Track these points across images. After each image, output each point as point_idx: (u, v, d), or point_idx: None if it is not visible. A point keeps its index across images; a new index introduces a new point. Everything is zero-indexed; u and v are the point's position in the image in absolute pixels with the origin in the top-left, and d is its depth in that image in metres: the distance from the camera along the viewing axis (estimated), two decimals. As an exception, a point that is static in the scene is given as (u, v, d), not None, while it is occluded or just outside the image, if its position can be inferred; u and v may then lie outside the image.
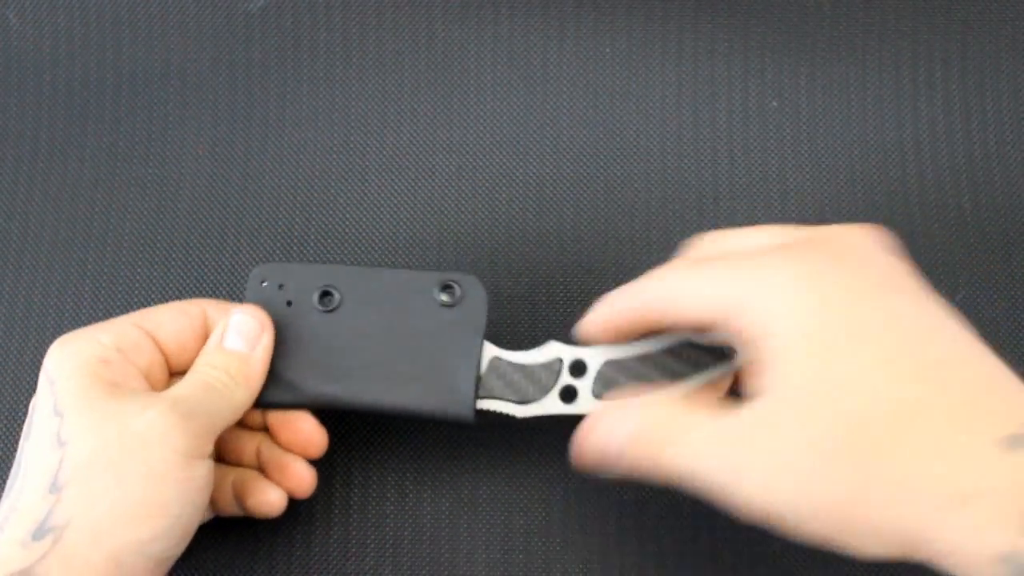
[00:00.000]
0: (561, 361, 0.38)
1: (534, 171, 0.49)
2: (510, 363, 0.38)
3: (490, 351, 0.38)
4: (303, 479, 0.39)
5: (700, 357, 0.36)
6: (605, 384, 0.37)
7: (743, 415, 0.30)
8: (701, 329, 0.33)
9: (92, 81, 0.50)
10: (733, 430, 0.30)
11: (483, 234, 0.48)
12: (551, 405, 0.38)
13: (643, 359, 0.37)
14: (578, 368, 0.38)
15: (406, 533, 0.42)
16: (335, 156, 0.49)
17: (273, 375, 0.38)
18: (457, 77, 0.50)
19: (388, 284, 0.39)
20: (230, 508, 0.39)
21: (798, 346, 0.29)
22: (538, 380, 0.38)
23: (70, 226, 0.48)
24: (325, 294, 0.39)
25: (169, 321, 0.37)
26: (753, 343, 0.30)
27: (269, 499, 0.38)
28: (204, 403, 0.35)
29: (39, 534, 0.32)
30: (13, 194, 0.48)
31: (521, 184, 0.49)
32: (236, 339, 0.37)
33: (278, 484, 0.39)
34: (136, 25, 0.50)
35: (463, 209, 0.48)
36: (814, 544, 0.30)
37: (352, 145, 0.49)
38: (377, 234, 0.48)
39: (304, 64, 0.50)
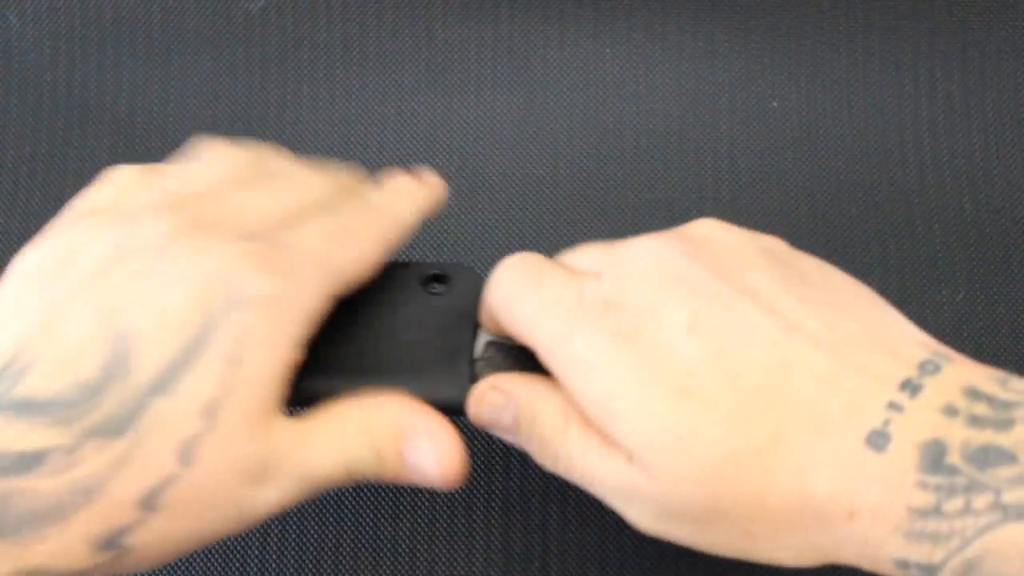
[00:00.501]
0: None
1: (534, 171, 0.49)
2: (507, 347, 0.36)
3: (485, 336, 0.37)
4: None
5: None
6: None
7: (620, 458, 0.28)
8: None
9: (92, 81, 0.50)
10: (616, 467, 0.28)
11: (483, 234, 0.48)
12: None
13: None
14: None
15: (403, 533, 0.42)
16: (335, 156, 0.49)
17: None
18: (457, 77, 0.50)
19: (379, 275, 0.39)
20: None
21: (633, 406, 0.27)
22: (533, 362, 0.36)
23: (70, 226, 0.48)
24: None
25: (364, 273, 0.32)
26: (583, 404, 0.28)
27: None
28: (325, 479, 0.29)
29: (108, 545, 0.25)
30: (13, 194, 0.48)
31: (521, 184, 0.49)
32: (422, 478, 0.30)
33: None
34: (136, 25, 0.50)
35: (463, 209, 0.48)
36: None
37: (352, 145, 0.49)
38: (377, 234, 0.48)
39: (304, 64, 0.50)
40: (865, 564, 0.26)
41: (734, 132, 0.50)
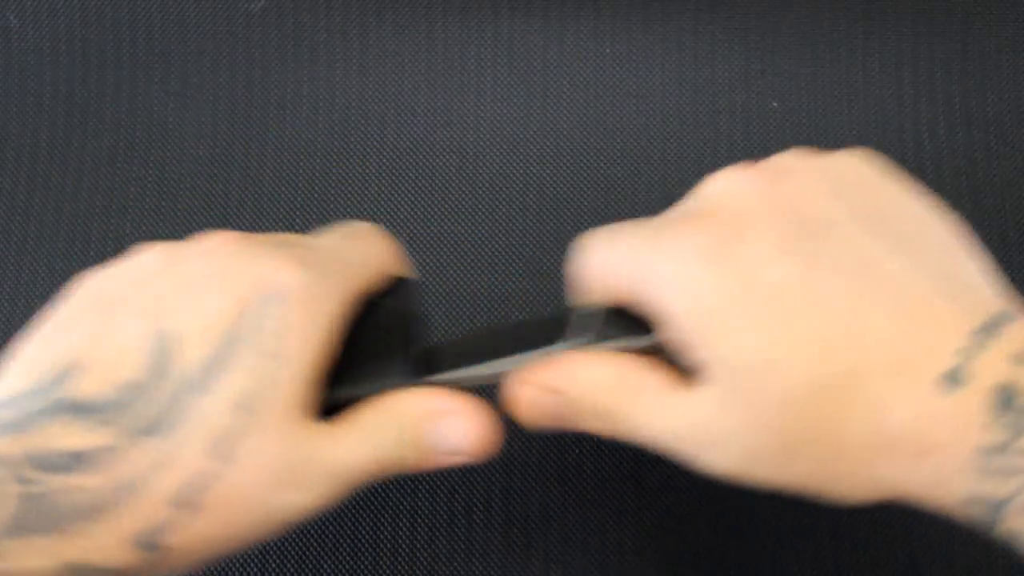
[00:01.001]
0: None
1: (534, 171, 0.49)
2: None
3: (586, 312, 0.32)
4: None
5: (627, 324, 0.32)
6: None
7: (695, 396, 0.28)
8: (621, 305, 0.31)
9: (92, 81, 0.50)
10: (690, 409, 0.28)
11: (483, 234, 0.48)
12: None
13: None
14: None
15: (403, 532, 0.42)
16: (335, 156, 0.49)
17: None
18: (457, 77, 0.50)
19: None
20: None
21: (719, 325, 0.27)
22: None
23: (70, 226, 0.48)
24: None
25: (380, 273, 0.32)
26: (668, 322, 0.28)
27: None
28: (357, 481, 0.29)
29: (147, 545, 0.26)
30: (13, 194, 0.48)
31: (521, 184, 0.49)
32: (455, 458, 0.31)
33: None
34: (136, 25, 0.50)
35: (463, 209, 0.48)
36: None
37: (352, 145, 0.49)
38: (377, 234, 0.48)
39: (304, 64, 0.50)
40: (932, 501, 0.26)
41: (734, 132, 0.50)
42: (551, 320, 0.32)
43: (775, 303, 0.27)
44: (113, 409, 0.25)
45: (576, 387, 0.30)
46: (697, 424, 0.28)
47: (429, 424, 0.30)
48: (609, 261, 0.30)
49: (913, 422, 0.26)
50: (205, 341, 0.26)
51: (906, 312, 0.26)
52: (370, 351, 0.32)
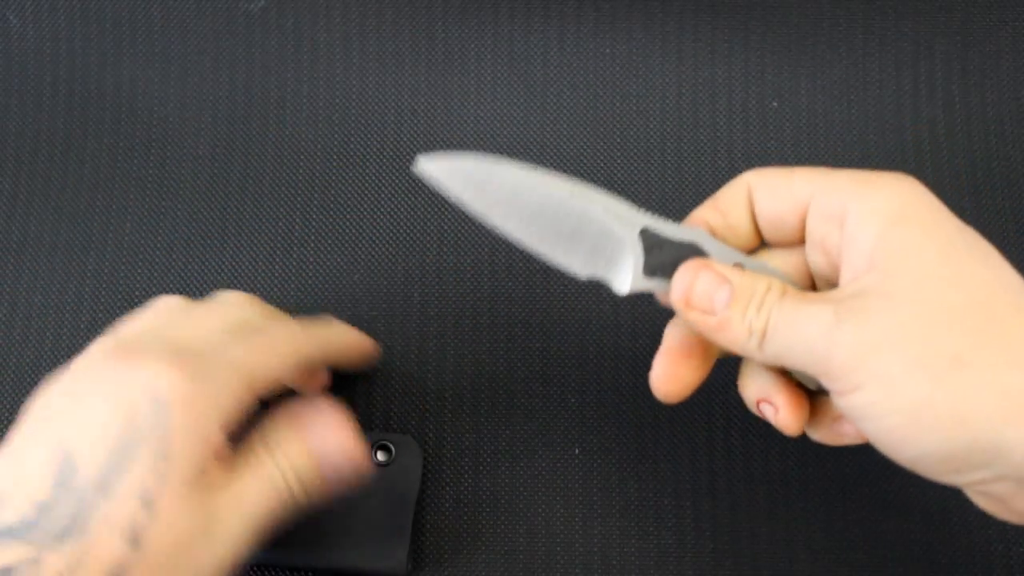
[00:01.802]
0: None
1: (534, 171, 0.49)
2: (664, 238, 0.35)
3: (641, 220, 0.34)
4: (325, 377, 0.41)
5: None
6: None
7: (854, 282, 0.31)
8: (775, 227, 0.34)
9: (92, 81, 0.50)
10: (843, 291, 0.31)
11: (483, 235, 0.48)
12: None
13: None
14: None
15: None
16: (335, 156, 0.49)
17: None
18: (457, 77, 0.50)
19: None
20: None
21: (914, 228, 0.30)
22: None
23: (70, 226, 0.48)
24: None
25: (277, 374, 0.35)
26: (860, 226, 0.31)
27: (323, 381, 0.41)
28: (260, 516, 0.33)
29: None
30: (13, 194, 0.48)
31: (521, 184, 0.49)
32: (329, 467, 0.35)
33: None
34: (136, 25, 0.50)
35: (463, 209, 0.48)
36: (890, 433, 0.30)
37: (352, 145, 0.49)
38: (377, 235, 0.48)
39: (304, 64, 0.50)
40: None
41: (734, 132, 0.50)
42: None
43: (970, 244, 0.30)
44: (31, 527, 0.29)
45: (744, 282, 0.33)
46: (845, 307, 0.30)
47: (307, 444, 0.35)
48: (821, 179, 0.33)
49: None
50: (101, 453, 0.30)
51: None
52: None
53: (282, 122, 0.50)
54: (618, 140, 0.50)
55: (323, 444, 0.35)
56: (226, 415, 0.32)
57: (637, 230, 0.34)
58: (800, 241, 0.34)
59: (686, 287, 0.33)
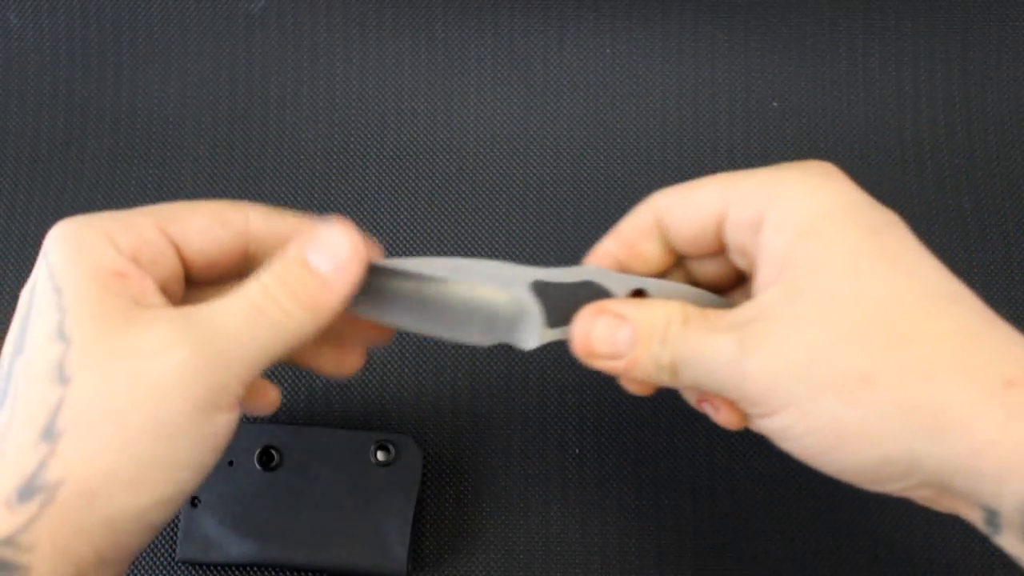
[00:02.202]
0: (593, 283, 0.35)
1: (534, 172, 0.49)
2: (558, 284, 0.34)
3: (529, 275, 0.34)
4: (357, 361, 0.36)
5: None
6: None
7: (758, 300, 0.30)
8: (691, 241, 0.33)
9: (92, 81, 0.50)
10: (746, 312, 0.30)
11: (483, 235, 0.48)
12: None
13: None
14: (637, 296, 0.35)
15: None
16: (335, 156, 0.49)
17: (213, 535, 0.40)
18: (457, 78, 0.50)
19: (327, 443, 0.42)
20: None
21: (820, 241, 0.29)
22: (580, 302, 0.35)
23: (70, 226, 0.48)
24: (265, 453, 0.41)
25: (200, 230, 0.31)
26: (771, 236, 0.30)
27: (271, 399, 0.35)
28: (247, 339, 0.29)
29: (26, 493, 0.27)
30: (13, 194, 0.48)
31: (521, 185, 0.49)
32: (322, 257, 0.30)
33: (325, 368, 0.36)
34: (136, 26, 0.50)
35: (463, 210, 0.48)
36: (808, 451, 0.30)
37: (352, 145, 0.49)
38: (377, 235, 0.48)
39: (304, 64, 0.50)
40: (986, 451, 0.27)
41: (734, 132, 0.50)
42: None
43: (885, 241, 0.30)
44: None
45: (644, 316, 0.32)
46: (753, 318, 0.30)
47: (301, 251, 0.31)
48: (721, 186, 0.32)
49: (1000, 354, 0.28)
50: (15, 322, 0.29)
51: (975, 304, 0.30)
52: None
53: (282, 122, 0.50)
54: (618, 140, 0.50)
55: (311, 243, 0.31)
56: (120, 238, 0.30)
57: (527, 286, 0.33)
58: (720, 250, 0.34)
59: (585, 336, 0.33)
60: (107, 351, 0.28)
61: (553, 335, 0.34)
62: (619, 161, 0.49)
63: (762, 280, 0.31)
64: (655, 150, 0.50)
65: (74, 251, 0.29)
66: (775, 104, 0.50)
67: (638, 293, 0.34)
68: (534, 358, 0.45)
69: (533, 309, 0.33)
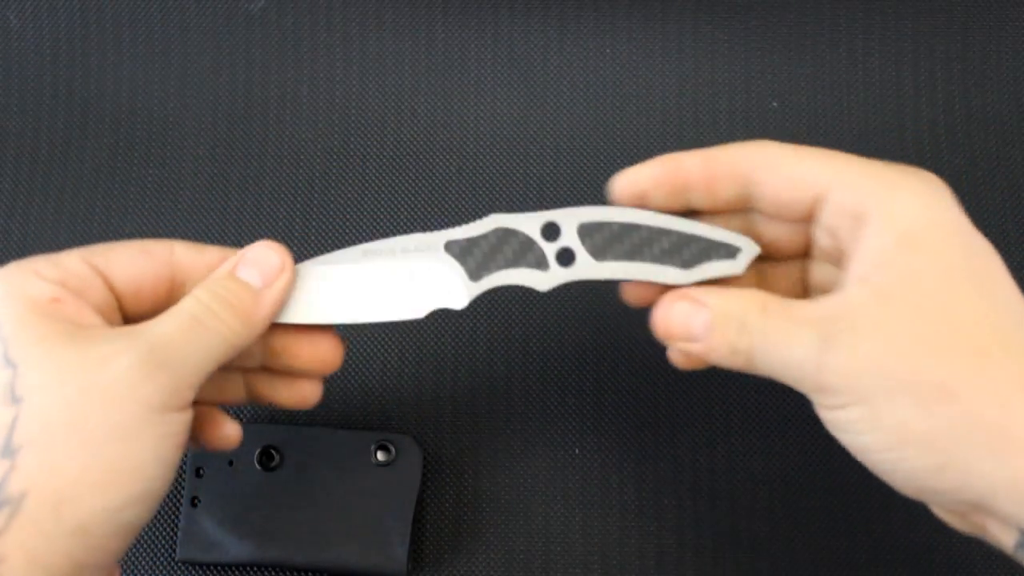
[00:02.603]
0: (514, 231, 0.35)
1: (534, 171, 0.49)
2: (471, 239, 0.35)
3: (440, 238, 0.35)
4: (315, 392, 0.37)
5: (692, 248, 0.35)
6: (597, 249, 0.35)
7: (844, 297, 0.31)
8: (780, 205, 0.33)
9: (92, 81, 0.50)
10: (830, 307, 0.31)
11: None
12: (565, 272, 0.35)
13: (629, 229, 0.35)
14: (551, 231, 0.35)
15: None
16: (335, 157, 0.49)
17: (216, 536, 0.40)
18: (457, 78, 0.50)
19: (327, 443, 0.42)
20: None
21: (920, 254, 0.30)
22: (523, 250, 0.35)
23: (70, 226, 0.48)
24: (265, 454, 0.41)
25: (125, 261, 0.33)
26: (873, 235, 0.31)
27: (226, 433, 0.35)
28: (190, 342, 0.31)
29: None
30: (13, 194, 0.48)
31: (521, 185, 0.49)
32: (250, 271, 0.33)
33: (283, 400, 0.36)
34: (136, 26, 0.50)
35: (463, 210, 0.48)
36: (867, 447, 0.31)
37: (352, 146, 0.49)
38: (377, 235, 0.48)
39: (304, 64, 0.50)
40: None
41: (734, 132, 0.50)
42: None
43: (980, 263, 0.31)
44: None
45: (722, 303, 0.33)
46: (836, 314, 0.30)
47: (233, 269, 0.33)
48: (821, 163, 0.33)
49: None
50: None
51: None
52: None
53: (282, 122, 0.50)
54: (618, 140, 0.50)
55: (241, 260, 0.33)
56: (45, 272, 0.31)
57: (440, 249, 0.35)
58: (797, 219, 0.34)
59: (664, 318, 0.34)
60: (54, 367, 0.29)
61: (480, 288, 0.35)
62: (619, 161, 0.49)
63: (853, 274, 0.31)
64: (655, 150, 0.49)
65: (5, 287, 0.30)
66: (775, 104, 0.50)
67: (549, 226, 0.35)
68: (534, 358, 0.45)
69: (453, 268, 0.35)
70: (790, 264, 0.36)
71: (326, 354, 0.36)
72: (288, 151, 0.49)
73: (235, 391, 0.36)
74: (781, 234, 0.35)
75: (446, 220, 0.48)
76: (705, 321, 0.33)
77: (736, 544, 0.43)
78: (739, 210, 0.35)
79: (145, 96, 0.50)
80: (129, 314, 0.33)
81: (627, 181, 0.36)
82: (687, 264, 0.34)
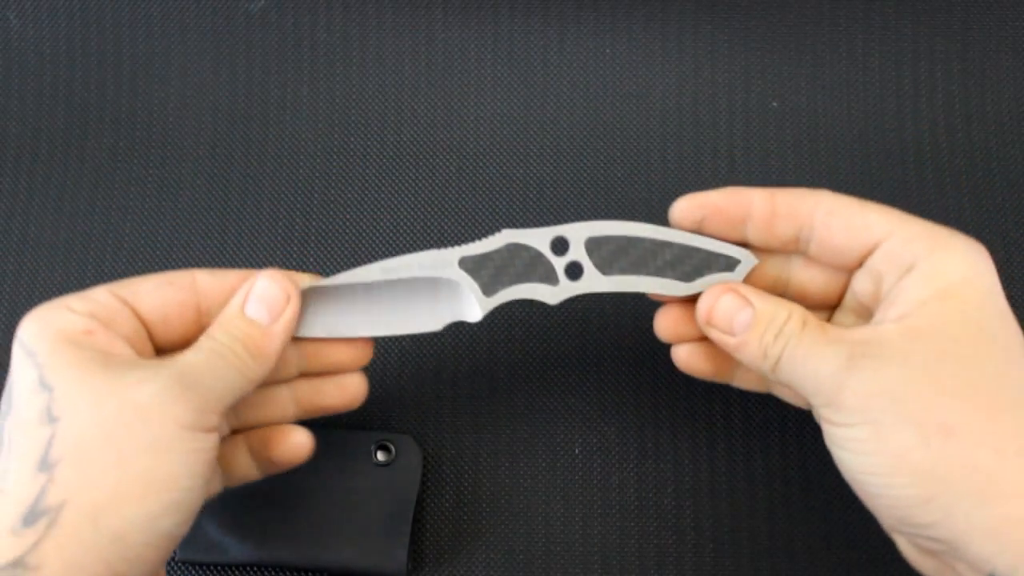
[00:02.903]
0: (527, 246, 0.37)
1: (534, 171, 0.49)
2: (483, 255, 0.37)
3: (455, 254, 0.37)
4: (360, 386, 0.39)
5: (693, 259, 0.37)
6: (603, 262, 0.37)
7: (874, 328, 0.33)
8: (835, 249, 0.35)
9: (92, 81, 0.50)
10: (861, 333, 0.33)
11: (483, 235, 0.48)
12: (573, 286, 0.37)
13: (633, 242, 0.37)
14: (560, 245, 0.37)
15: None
16: (335, 156, 0.49)
17: (216, 536, 0.40)
18: (457, 77, 0.50)
19: (327, 443, 0.41)
20: (244, 473, 0.38)
21: (954, 305, 0.33)
22: (534, 264, 0.37)
23: (70, 226, 0.48)
24: None
25: (151, 291, 0.35)
26: (916, 282, 0.33)
27: (297, 440, 0.37)
28: (212, 374, 0.33)
29: (31, 518, 0.30)
30: (13, 194, 0.48)
31: (521, 184, 0.49)
32: (258, 307, 0.35)
33: (332, 402, 0.39)
34: (136, 26, 0.50)
35: (463, 210, 0.48)
36: (863, 466, 0.33)
37: (352, 145, 0.49)
38: (377, 235, 0.48)
39: (304, 64, 0.50)
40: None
41: (734, 132, 0.50)
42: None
43: (1008, 323, 0.33)
44: None
45: (766, 307, 0.35)
46: (865, 345, 0.33)
47: (240, 303, 0.35)
48: (884, 216, 0.35)
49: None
50: (2, 402, 0.33)
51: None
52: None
53: (282, 122, 0.50)
54: (618, 140, 0.50)
55: (247, 296, 0.35)
56: (75, 305, 0.33)
57: (455, 265, 0.36)
58: (842, 267, 0.36)
59: (709, 306, 0.36)
60: (89, 389, 0.31)
61: (494, 302, 0.37)
62: (619, 161, 0.49)
63: (887, 312, 0.34)
64: (655, 150, 0.50)
65: (39, 323, 0.33)
66: (775, 104, 0.50)
67: (558, 240, 0.37)
68: (535, 358, 0.45)
69: (467, 284, 0.36)
70: (817, 312, 0.38)
71: (358, 343, 0.38)
72: (288, 151, 0.49)
73: (283, 409, 0.38)
74: (815, 282, 0.37)
75: (446, 220, 0.48)
76: (747, 319, 0.35)
77: (736, 544, 0.43)
78: (788, 252, 0.38)
79: (145, 96, 0.50)
80: (160, 343, 0.36)
81: (691, 205, 0.37)
82: (688, 276, 0.37)
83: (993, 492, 0.30)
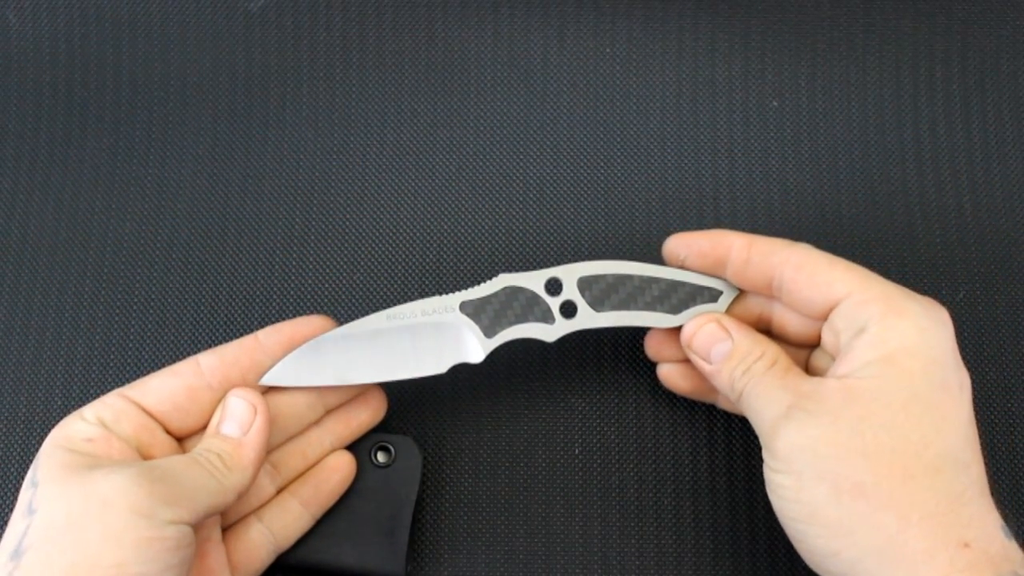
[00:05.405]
0: (521, 289, 0.40)
1: (534, 171, 0.49)
2: (482, 299, 0.40)
3: (455, 300, 0.40)
4: (381, 395, 0.42)
5: (680, 293, 0.40)
6: (595, 300, 0.40)
7: (821, 384, 0.35)
8: (803, 301, 0.37)
9: (92, 81, 0.50)
10: (809, 385, 0.35)
11: (483, 235, 0.48)
12: (569, 324, 0.40)
13: (623, 279, 0.40)
14: (553, 286, 0.40)
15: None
16: (335, 156, 0.49)
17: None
18: (457, 77, 0.50)
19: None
20: (296, 526, 0.40)
21: (895, 372, 0.34)
22: (530, 305, 0.40)
23: (70, 226, 0.48)
24: None
25: (156, 385, 0.38)
26: (864, 345, 0.35)
27: (338, 465, 0.40)
28: (186, 474, 0.35)
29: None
30: (13, 194, 0.48)
31: (521, 184, 0.49)
32: (230, 424, 0.37)
33: (364, 420, 0.41)
34: (136, 25, 0.50)
35: (463, 209, 0.48)
36: (786, 511, 0.35)
37: (352, 145, 0.49)
38: (377, 235, 0.48)
39: (304, 64, 0.50)
40: None
41: (734, 132, 0.50)
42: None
43: (948, 397, 0.35)
44: None
45: (744, 343, 0.38)
46: (809, 395, 0.35)
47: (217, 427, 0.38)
48: (850, 275, 0.37)
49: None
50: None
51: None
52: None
53: (282, 122, 0.50)
54: (618, 139, 0.50)
55: (222, 416, 0.38)
56: (87, 412, 0.36)
57: (456, 310, 0.39)
58: (810, 315, 0.38)
59: (691, 333, 0.39)
60: (66, 483, 0.34)
61: (494, 343, 0.39)
62: (619, 161, 0.49)
63: (838, 368, 0.36)
64: (655, 150, 0.50)
65: (54, 431, 0.36)
66: (775, 104, 0.50)
67: (552, 282, 0.39)
68: (533, 358, 0.45)
69: (469, 327, 0.39)
70: (800, 349, 0.40)
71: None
72: (288, 151, 0.49)
73: (320, 447, 0.40)
74: (796, 324, 0.39)
75: (446, 220, 0.48)
76: (725, 351, 0.38)
77: (736, 544, 0.43)
78: (764, 296, 0.40)
79: (145, 96, 0.50)
80: (178, 430, 0.38)
81: (679, 245, 0.40)
82: (676, 308, 0.40)
83: (894, 554, 0.32)
